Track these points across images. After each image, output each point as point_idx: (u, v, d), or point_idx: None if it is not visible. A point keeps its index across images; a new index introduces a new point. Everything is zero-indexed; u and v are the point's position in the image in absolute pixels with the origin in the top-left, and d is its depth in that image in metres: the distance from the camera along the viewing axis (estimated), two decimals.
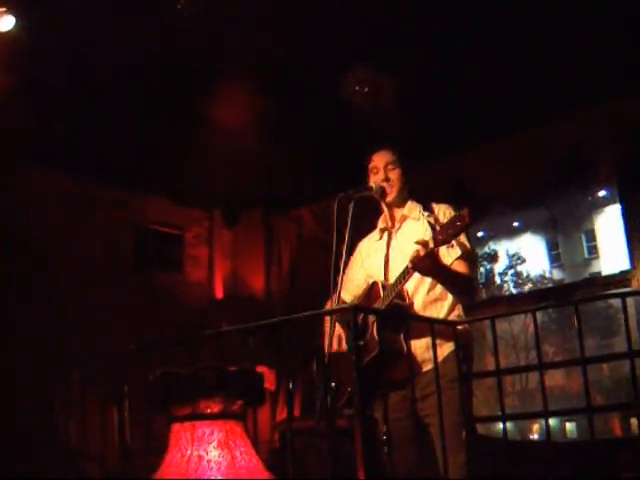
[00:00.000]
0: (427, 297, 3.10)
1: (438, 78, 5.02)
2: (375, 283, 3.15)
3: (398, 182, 3.22)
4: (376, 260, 3.26)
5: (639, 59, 4.74)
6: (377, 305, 3.05)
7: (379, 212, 3.36)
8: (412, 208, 3.25)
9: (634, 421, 14.40)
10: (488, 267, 26.13)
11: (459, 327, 3.05)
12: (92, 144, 5.45)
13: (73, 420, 3.91)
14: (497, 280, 26.71)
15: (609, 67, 4.84)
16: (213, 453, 2.00)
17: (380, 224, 3.35)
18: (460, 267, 3.05)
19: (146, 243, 6.82)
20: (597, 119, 5.42)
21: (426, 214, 3.15)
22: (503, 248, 26.97)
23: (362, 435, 2.32)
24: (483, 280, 24.93)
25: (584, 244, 27.02)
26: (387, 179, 3.21)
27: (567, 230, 26.63)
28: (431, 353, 2.90)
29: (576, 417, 18.52)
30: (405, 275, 2.94)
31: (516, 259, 26.95)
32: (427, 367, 3.02)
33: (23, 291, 5.38)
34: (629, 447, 4.87)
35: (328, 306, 3.18)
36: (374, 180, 3.22)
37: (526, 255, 27.00)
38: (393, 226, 3.28)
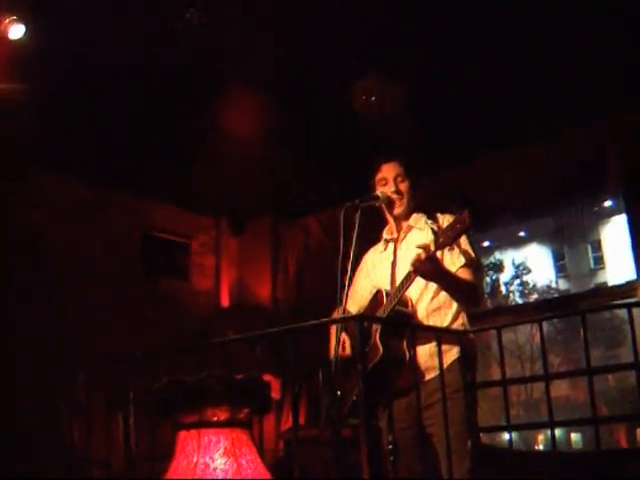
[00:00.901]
0: (431, 305, 3.10)
1: (447, 86, 5.03)
2: (379, 291, 3.16)
3: (408, 194, 3.24)
4: (382, 271, 3.27)
5: None
6: (380, 311, 3.05)
7: (384, 223, 3.37)
8: (417, 219, 3.26)
9: None
10: (494, 277, 26.09)
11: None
12: (103, 151, 5.48)
13: (78, 424, 3.92)
14: (503, 290, 26.65)
15: (615, 79, 4.86)
16: (219, 461, 2.00)
17: (385, 235, 3.36)
18: (465, 274, 3.06)
19: (153, 250, 6.84)
20: (603, 129, 5.43)
21: (430, 222, 3.16)
22: (509, 258, 26.93)
23: (367, 444, 2.33)
24: (489, 290, 24.86)
25: (590, 254, 26.98)
26: (398, 191, 3.22)
27: (573, 240, 26.58)
28: (434, 361, 2.90)
29: (582, 428, 18.42)
30: (408, 279, 2.94)
31: (522, 269, 26.89)
32: (430, 375, 3.02)
33: (35, 295, 5.41)
34: (635, 458, 4.84)
35: (334, 316, 3.19)
36: (382, 191, 3.23)
37: (532, 265, 26.94)
38: (398, 237, 3.28)
